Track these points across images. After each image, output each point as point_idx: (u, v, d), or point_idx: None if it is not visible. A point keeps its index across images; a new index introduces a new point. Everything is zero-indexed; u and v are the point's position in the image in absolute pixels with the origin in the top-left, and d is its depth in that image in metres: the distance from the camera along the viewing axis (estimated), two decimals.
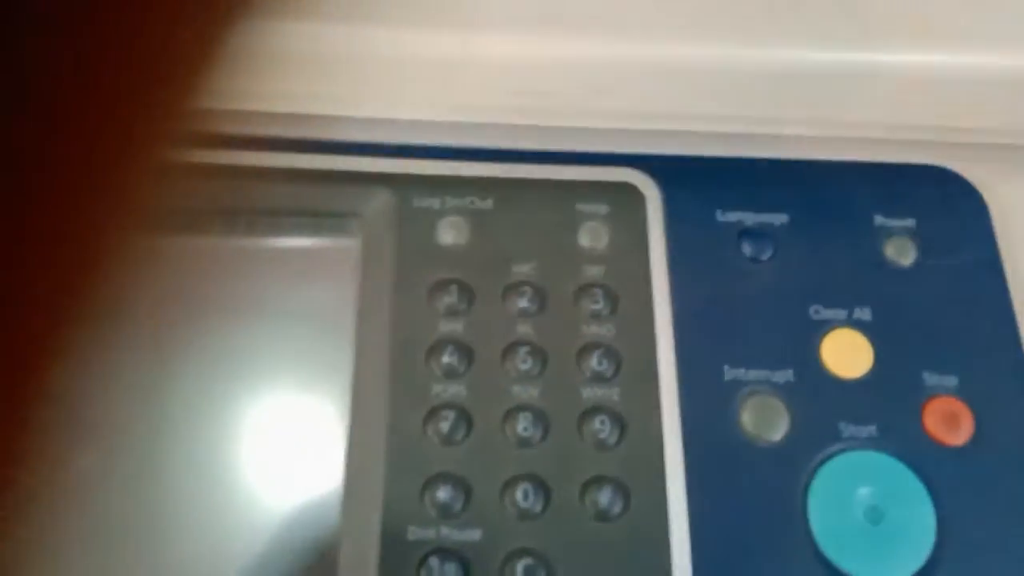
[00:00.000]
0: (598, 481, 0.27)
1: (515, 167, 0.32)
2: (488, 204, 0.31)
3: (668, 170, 0.32)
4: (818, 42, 0.28)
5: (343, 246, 0.30)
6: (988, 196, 0.33)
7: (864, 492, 0.28)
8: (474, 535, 0.26)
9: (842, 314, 0.30)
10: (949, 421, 0.29)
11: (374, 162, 0.31)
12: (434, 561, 0.26)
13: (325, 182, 0.31)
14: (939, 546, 0.27)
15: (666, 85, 0.28)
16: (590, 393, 0.28)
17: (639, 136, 0.32)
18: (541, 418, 0.28)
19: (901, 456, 0.28)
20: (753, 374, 0.29)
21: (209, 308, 0.29)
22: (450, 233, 0.30)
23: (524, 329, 0.29)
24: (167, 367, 0.29)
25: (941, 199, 0.33)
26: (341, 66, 0.28)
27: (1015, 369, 0.30)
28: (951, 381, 0.29)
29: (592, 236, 0.31)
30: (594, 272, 0.30)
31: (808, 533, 0.27)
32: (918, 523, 0.27)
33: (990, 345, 0.30)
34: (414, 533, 0.26)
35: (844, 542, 0.27)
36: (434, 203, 0.31)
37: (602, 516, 0.27)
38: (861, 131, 0.32)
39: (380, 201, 0.31)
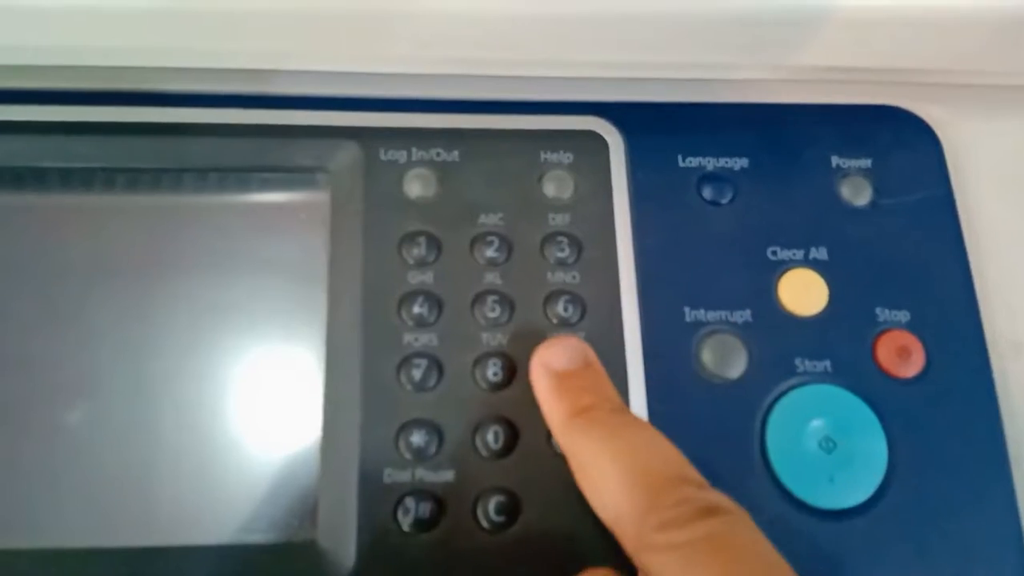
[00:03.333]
0: None
1: (480, 118, 0.32)
2: (454, 156, 0.31)
3: (631, 117, 0.32)
4: None
5: (312, 200, 0.31)
6: (942, 134, 0.34)
7: (818, 424, 0.29)
8: (447, 476, 0.27)
9: (799, 254, 0.31)
10: (900, 354, 0.30)
11: (340, 116, 0.32)
12: (410, 502, 0.27)
13: (291, 137, 0.31)
14: (890, 473, 0.29)
15: (626, 33, 0.29)
16: None
17: (602, 84, 0.33)
18: (509, 363, 0.29)
19: (854, 388, 0.30)
20: (712, 315, 0.30)
21: (183, 265, 0.30)
22: (417, 185, 0.31)
23: (492, 278, 0.30)
24: (146, 323, 0.30)
25: (896, 138, 0.33)
26: (304, 21, 0.28)
27: (965, 303, 0.31)
28: (903, 316, 0.31)
29: (557, 185, 0.31)
30: (559, 220, 0.31)
31: (767, 464, 0.29)
32: (870, 452, 0.29)
33: (942, 281, 0.31)
34: (390, 476, 0.27)
35: (800, 471, 0.29)
36: (401, 156, 0.31)
37: None
38: (818, 74, 0.33)
39: (347, 155, 0.31)
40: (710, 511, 0.23)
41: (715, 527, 0.23)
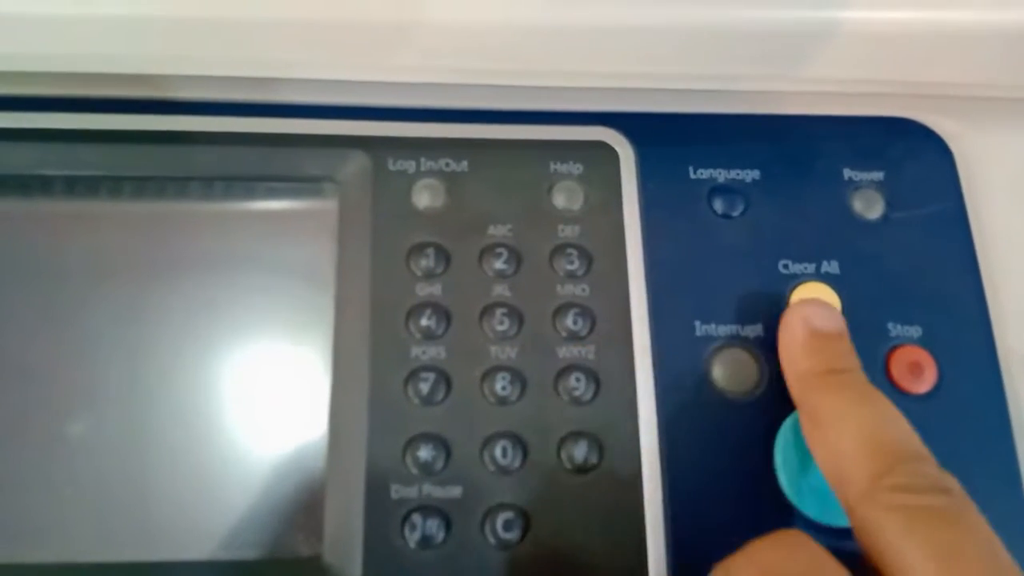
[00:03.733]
0: (574, 436, 0.28)
1: (489, 128, 0.32)
2: (463, 166, 0.31)
3: (642, 128, 0.32)
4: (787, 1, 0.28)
5: (320, 211, 0.31)
6: (954, 147, 0.33)
7: None
8: (455, 492, 0.27)
9: (811, 268, 0.31)
10: (913, 370, 0.30)
11: (348, 125, 0.31)
12: (417, 518, 0.27)
13: (299, 146, 0.31)
14: None
15: (638, 45, 0.29)
16: (566, 352, 0.29)
17: (612, 94, 0.32)
18: (518, 377, 0.28)
19: None
20: (724, 329, 0.30)
21: (188, 276, 0.30)
22: (426, 196, 0.30)
23: (500, 290, 0.29)
24: (149, 334, 0.29)
25: (908, 151, 0.33)
26: (313, 30, 0.28)
27: (977, 318, 0.31)
28: (915, 331, 0.30)
29: (567, 196, 0.31)
30: (569, 232, 0.30)
31: (775, 482, 0.28)
32: None
33: (954, 295, 0.31)
34: (397, 491, 0.27)
35: (809, 490, 0.28)
36: (409, 166, 0.31)
37: (578, 469, 0.28)
38: (830, 86, 0.32)
39: (355, 165, 0.31)
40: (945, 490, 0.24)
41: (946, 503, 0.23)
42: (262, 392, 0.29)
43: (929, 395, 0.30)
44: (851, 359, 0.28)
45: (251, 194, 0.31)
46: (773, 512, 0.28)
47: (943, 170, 0.33)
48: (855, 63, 0.30)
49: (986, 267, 0.32)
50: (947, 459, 0.29)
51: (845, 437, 0.25)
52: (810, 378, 0.27)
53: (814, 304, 0.28)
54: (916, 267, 0.31)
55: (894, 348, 0.30)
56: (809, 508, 0.28)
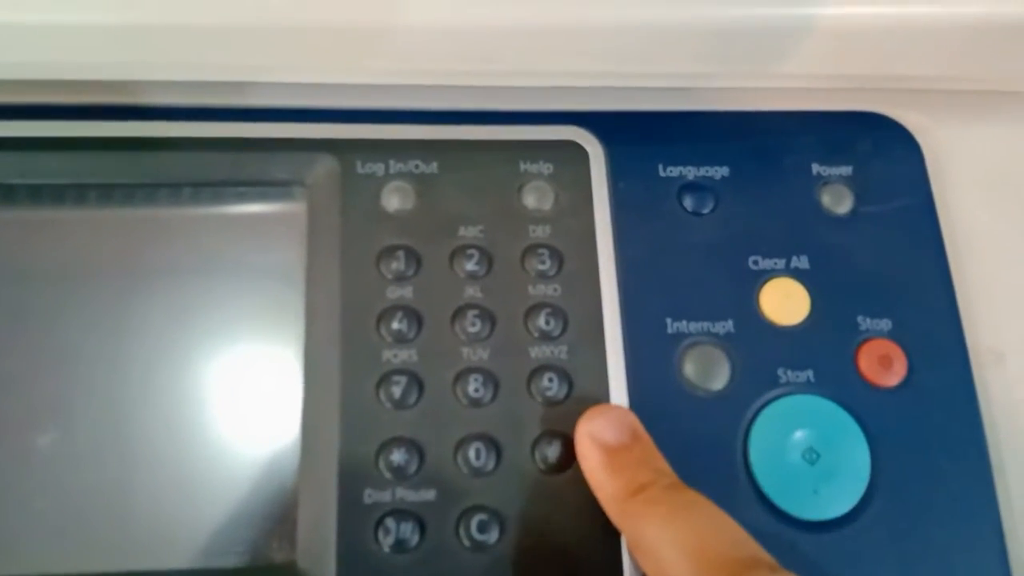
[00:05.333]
0: (548, 436, 0.28)
1: (458, 129, 0.32)
2: (432, 168, 0.31)
3: (611, 127, 0.32)
4: None
5: (288, 215, 0.30)
6: (922, 140, 0.33)
7: (801, 434, 0.29)
8: (428, 495, 0.27)
9: (780, 263, 0.31)
10: (883, 363, 0.30)
11: (316, 128, 0.31)
12: (391, 522, 0.27)
13: (267, 150, 0.31)
14: (873, 484, 0.29)
15: (606, 44, 0.28)
16: (538, 352, 0.29)
17: (581, 93, 0.32)
18: (491, 378, 0.28)
19: (836, 398, 0.29)
20: (695, 326, 0.30)
21: (157, 282, 0.30)
22: (395, 198, 0.30)
23: (472, 292, 0.29)
24: (118, 342, 0.29)
25: (877, 145, 0.33)
26: (282, 34, 0.28)
27: (947, 311, 0.31)
28: (885, 324, 0.30)
29: (537, 196, 0.31)
30: (539, 232, 0.30)
31: (749, 476, 0.29)
32: (853, 462, 0.29)
33: (923, 289, 0.31)
34: (370, 496, 0.27)
35: (783, 483, 0.28)
36: (378, 168, 0.31)
37: (552, 469, 0.28)
38: (798, 81, 0.33)
39: (324, 168, 0.31)
40: None
41: None
42: (233, 398, 0.29)
43: (899, 388, 0.30)
44: (651, 466, 0.26)
45: (219, 199, 0.31)
46: (749, 507, 0.28)
47: (911, 164, 0.33)
48: (822, 58, 0.31)
49: (955, 260, 0.32)
50: (918, 452, 0.29)
51: (672, 562, 0.23)
52: (619, 503, 0.25)
53: (596, 417, 0.27)
54: (885, 261, 0.31)
55: (864, 341, 0.30)
56: (788, 503, 0.28)
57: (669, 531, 0.24)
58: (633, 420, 0.27)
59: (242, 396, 0.29)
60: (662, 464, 0.26)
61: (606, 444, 0.26)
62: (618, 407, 0.28)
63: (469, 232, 0.30)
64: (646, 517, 0.24)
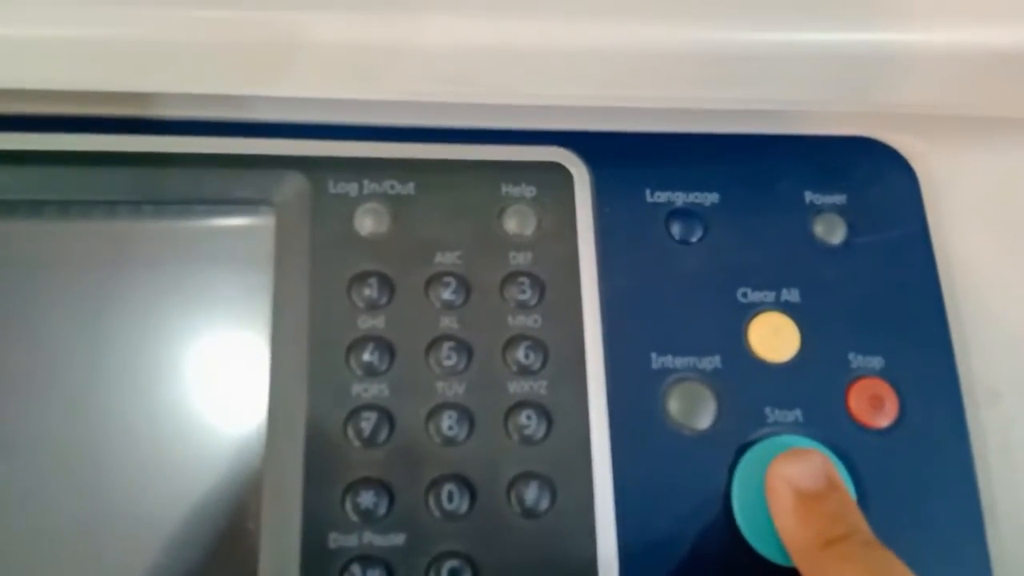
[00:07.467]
0: (524, 477, 0.27)
1: (437, 148, 0.30)
2: (409, 188, 0.29)
3: (597, 148, 0.31)
4: (745, 21, 0.27)
5: (255, 236, 0.29)
6: (917, 167, 0.32)
7: None
8: (398, 540, 0.26)
9: (770, 296, 0.30)
10: (873, 403, 0.29)
11: (285, 144, 0.29)
12: (356, 568, 0.25)
13: (233, 167, 0.29)
14: None
15: (593, 66, 0.27)
16: (516, 387, 0.28)
17: (567, 113, 0.31)
18: (466, 415, 0.27)
19: (824, 440, 0.28)
20: (680, 361, 0.29)
21: (116, 307, 0.28)
22: (369, 221, 0.29)
23: (448, 323, 0.28)
24: (80, 366, 0.27)
25: (871, 172, 0.32)
26: (253, 48, 0.26)
27: (940, 348, 0.30)
28: (877, 362, 0.29)
29: (519, 220, 0.29)
30: (520, 259, 0.29)
31: (731, 519, 0.27)
32: None
33: (916, 324, 0.30)
34: (335, 540, 0.25)
35: (766, 528, 0.27)
36: (351, 188, 0.29)
37: (528, 513, 0.26)
38: (792, 105, 0.31)
39: (293, 186, 0.29)
40: None
41: None
42: (193, 431, 0.27)
43: (890, 429, 0.29)
44: (849, 519, 0.25)
45: (183, 217, 0.29)
46: (731, 553, 0.27)
47: (906, 191, 0.32)
48: (818, 83, 0.29)
49: (949, 293, 0.31)
50: (907, 496, 0.28)
51: None
52: (811, 552, 0.25)
53: (795, 461, 0.26)
54: (878, 295, 0.30)
55: (854, 380, 0.29)
56: (768, 550, 0.27)
57: None
58: (831, 469, 0.26)
59: (203, 429, 0.27)
60: (858, 519, 0.25)
61: (801, 489, 0.25)
62: (816, 452, 0.27)
63: (446, 258, 0.29)
64: (839, 573, 0.24)
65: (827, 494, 0.25)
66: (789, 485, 0.26)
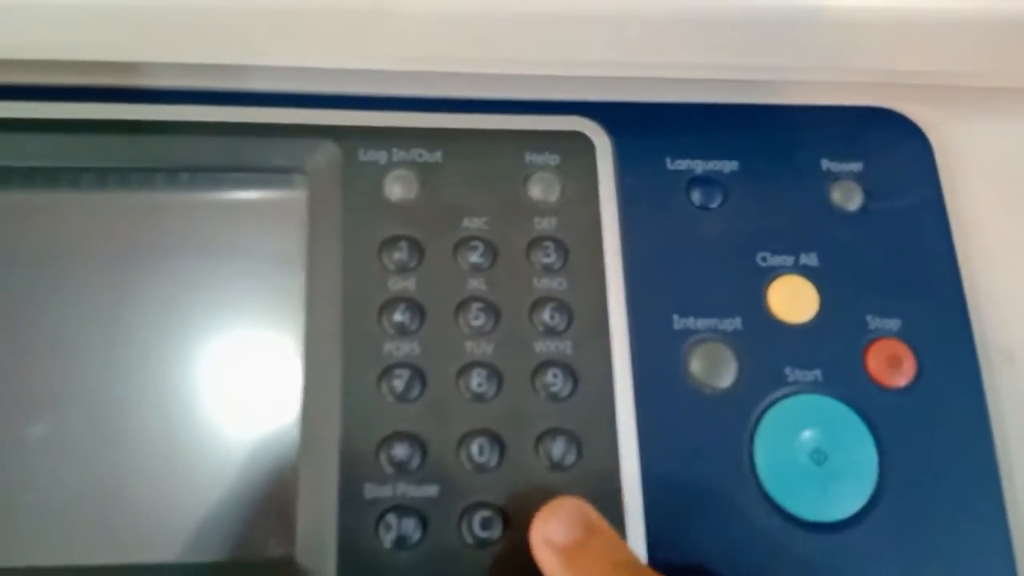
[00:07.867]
0: (551, 433, 0.28)
1: (463, 117, 0.31)
2: (436, 156, 0.30)
3: (619, 118, 0.32)
4: None
5: (288, 202, 0.30)
6: (932, 136, 0.33)
7: (808, 435, 0.29)
8: (431, 491, 0.27)
9: (789, 260, 0.31)
10: (891, 363, 0.30)
11: (318, 114, 0.30)
12: (392, 518, 0.26)
13: (267, 136, 0.30)
14: (880, 485, 0.28)
15: (613, 32, 0.28)
16: (543, 347, 0.28)
17: (589, 83, 0.32)
18: (495, 373, 0.28)
19: (844, 399, 0.29)
20: (702, 322, 0.29)
21: (153, 271, 0.29)
22: (398, 187, 0.30)
23: (476, 284, 0.29)
24: (114, 331, 0.28)
25: (887, 141, 0.33)
26: (284, 16, 0.27)
27: (956, 310, 0.31)
28: (894, 324, 0.30)
29: (543, 187, 0.30)
30: (545, 224, 0.30)
31: (755, 476, 0.28)
32: (860, 463, 0.28)
33: (932, 287, 0.31)
34: (371, 491, 0.26)
35: (789, 484, 0.28)
36: (381, 156, 0.30)
37: (556, 467, 0.27)
38: (809, 74, 0.32)
39: (325, 155, 0.30)
40: None
41: None
42: (232, 391, 0.28)
43: (907, 388, 0.29)
44: (610, 559, 0.25)
45: (218, 185, 0.30)
46: (754, 508, 0.28)
47: (921, 160, 0.33)
48: (834, 52, 0.30)
49: (964, 258, 0.31)
50: (925, 453, 0.29)
51: None
52: None
53: (548, 518, 0.26)
54: (894, 259, 0.31)
55: (872, 341, 0.30)
56: (793, 504, 0.28)
57: None
58: (587, 511, 0.26)
59: (241, 388, 0.28)
60: (621, 554, 0.25)
61: (559, 546, 0.25)
62: (568, 500, 0.26)
63: (473, 223, 0.30)
64: None
65: (588, 540, 0.25)
66: (549, 546, 0.25)
